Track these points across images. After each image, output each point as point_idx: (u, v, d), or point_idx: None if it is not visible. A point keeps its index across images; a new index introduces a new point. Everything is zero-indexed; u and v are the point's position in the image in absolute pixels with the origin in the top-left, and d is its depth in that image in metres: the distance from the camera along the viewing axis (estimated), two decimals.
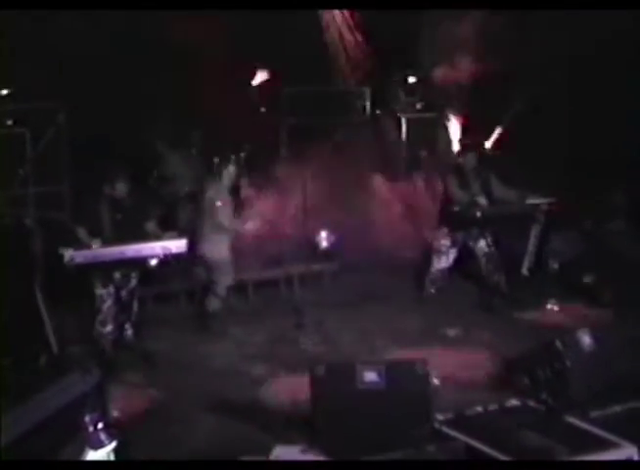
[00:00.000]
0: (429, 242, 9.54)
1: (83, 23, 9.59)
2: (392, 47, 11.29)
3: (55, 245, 7.49)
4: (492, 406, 6.33)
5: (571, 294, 9.33)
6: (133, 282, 7.90)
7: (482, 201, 8.96)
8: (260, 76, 11.32)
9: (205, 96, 10.55)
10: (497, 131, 11.11)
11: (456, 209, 8.94)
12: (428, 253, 9.45)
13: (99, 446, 4.54)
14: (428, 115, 11.89)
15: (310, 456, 5.62)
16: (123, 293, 7.85)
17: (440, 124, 11.79)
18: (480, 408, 6.28)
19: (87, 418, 4.58)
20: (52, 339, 7.59)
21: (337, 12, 11.42)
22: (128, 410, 6.51)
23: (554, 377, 6.63)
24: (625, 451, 5.55)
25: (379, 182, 10.72)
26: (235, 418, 6.56)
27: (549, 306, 9.05)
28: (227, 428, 6.46)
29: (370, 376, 6.01)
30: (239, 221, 8.63)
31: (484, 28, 10.80)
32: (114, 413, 6.18)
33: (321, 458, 5.59)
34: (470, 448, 5.61)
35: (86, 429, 4.56)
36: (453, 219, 9.03)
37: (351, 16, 11.50)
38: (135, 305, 8.01)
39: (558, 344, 6.67)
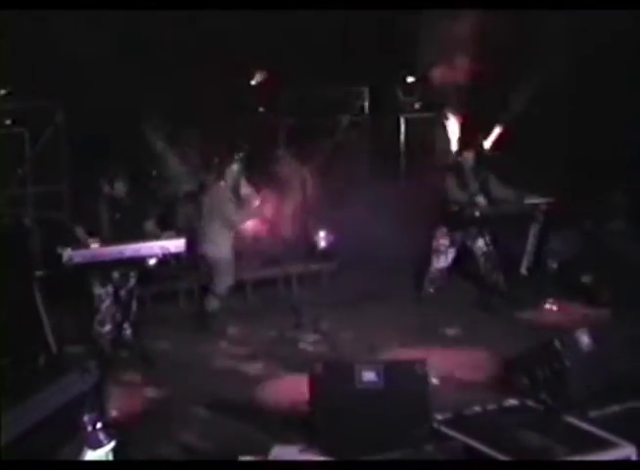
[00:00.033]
0: (428, 241, 9.53)
1: (83, 22, 9.57)
2: (391, 47, 11.29)
3: (53, 244, 7.49)
4: (491, 406, 6.32)
5: (569, 293, 9.33)
6: (132, 282, 7.90)
7: (481, 200, 8.96)
8: (259, 76, 11.31)
9: (205, 96, 10.57)
10: (496, 131, 11.09)
11: (455, 208, 8.95)
12: (426, 252, 9.45)
13: (97, 445, 4.54)
14: (426, 114, 11.88)
15: (309, 456, 5.62)
16: (122, 292, 7.85)
17: (439, 124, 11.78)
18: (478, 408, 6.27)
19: (86, 418, 4.57)
20: (50, 338, 7.59)
21: None
22: (127, 410, 6.52)
23: (553, 377, 6.63)
24: (624, 451, 5.55)
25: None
26: (233, 418, 6.56)
27: (548, 306, 9.06)
28: (225, 428, 6.46)
29: (369, 376, 6.01)
30: (242, 217, 8.63)
31: (483, 28, 10.81)
32: (113, 413, 6.18)
33: (320, 458, 5.59)
34: (468, 448, 5.60)
35: (85, 429, 4.55)
36: (452, 219, 9.03)
37: None
38: (134, 305, 8.01)
39: (557, 343, 6.68)
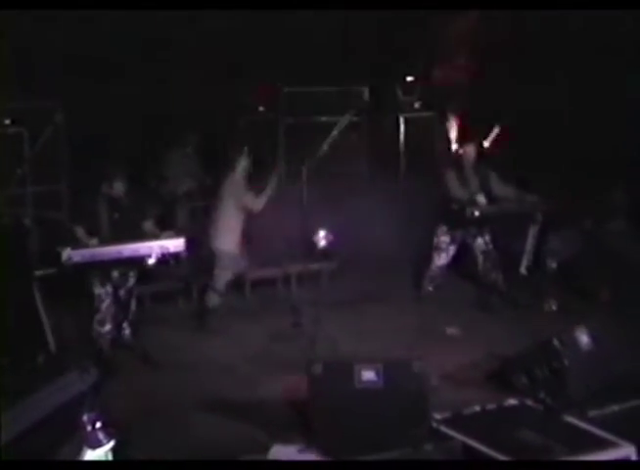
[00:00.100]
0: (427, 241, 9.53)
1: (83, 22, 9.58)
2: (391, 46, 11.29)
3: (53, 244, 7.49)
4: (490, 406, 6.33)
5: (569, 293, 9.33)
6: (131, 281, 7.90)
7: (481, 200, 8.95)
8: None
9: (205, 95, 10.58)
10: (495, 130, 11.09)
11: (455, 207, 8.94)
12: (426, 251, 9.44)
13: (97, 445, 4.54)
14: (426, 114, 11.88)
15: (308, 456, 5.62)
16: (121, 292, 7.85)
17: (439, 123, 11.78)
18: (477, 408, 6.28)
19: (85, 417, 4.57)
20: (50, 338, 7.59)
21: None
22: (126, 409, 6.51)
23: (552, 376, 6.64)
24: (623, 451, 5.56)
25: None
26: (232, 417, 6.57)
27: (547, 306, 9.05)
28: (224, 427, 6.46)
29: (368, 375, 6.01)
30: (260, 201, 8.66)
31: (483, 28, 10.81)
32: (112, 412, 6.17)
33: (318, 458, 5.59)
34: (467, 448, 5.60)
35: (84, 428, 4.55)
36: (451, 218, 9.03)
37: None
38: (133, 305, 8.02)
39: (556, 343, 6.68)
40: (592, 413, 6.23)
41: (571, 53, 10.51)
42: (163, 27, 10.10)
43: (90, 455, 4.54)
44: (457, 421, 6.00)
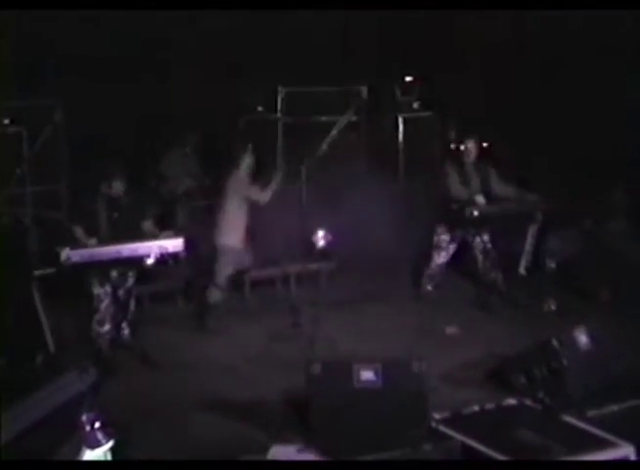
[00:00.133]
0: (426, 240, 9.53)
1: (83, 22, 9.58)
2: (391, 46, 11.29)
3: (52, 244, 7.49)
4: (489, 405, 6.33)
5: (568, 293, 9.33)
6: (130, 281, 7.90)
7: (480, 200, 8.95)
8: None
9: (205, 95, 10.57)
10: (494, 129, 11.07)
11: (454, 207, 8.94)
12: (425, 251, 9.44)
13: (96, 445, 4.54)
14: (424, 114, 11.87)
15: (307, 456, 5.62)
16: (120, 292, 7.85)
17: (438, 123, 11.77)
18: (476, 407, 6.28)
19: (84, 417, 4.57)
20: (49, 338, 7.59)
21: None
22: (125, 409, 6.51)
23: (551, 376, 6.64)
24: (622, 451, 5.56)
25: None
26: (231, 417, 6.57)
27: (546, 306, 9.05)
28: (223, 427, 6.46)
29: (366, 375, 6.02)
30: (267, 194, 8.67)
31: (483, 27, 10.81)
32: (111, 412, 6.17)
33: (317, 458, 5.59)
34: (466, 448, 5.61)
35: (83, 428, 4.55)
36: (451, 218, 9.03)
37: None
38: (132, 304, 8.02)
39: (554, 343, 6.68)
40: (591, 413, 6.23)
41: (571, 53, 10.50)
42: (163, 27, 10.10)
43: (89, 455, 4.54)
44: (456, 421, 6.01)
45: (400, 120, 11.74)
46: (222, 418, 6.59)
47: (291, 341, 8.15)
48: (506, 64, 10.86)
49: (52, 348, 7.56)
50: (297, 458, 5.58)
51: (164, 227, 8.15)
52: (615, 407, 6.36)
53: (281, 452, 5.64)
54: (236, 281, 9.15)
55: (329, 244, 9.42)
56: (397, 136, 11.76)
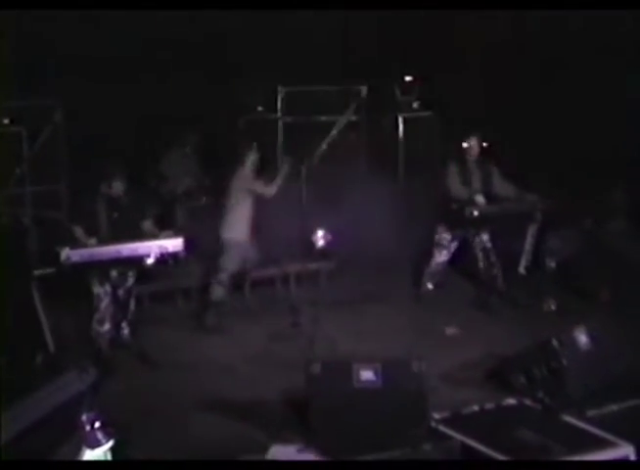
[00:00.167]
0: (426, 240, 9.53)
1: (83, 22, 9.57)
2: (390, 46, 11.29)
3: (51, 244, 7.49)
4: (489, 405, 6.34)
5: (568, 293, 9.33)
6: (130, 281, 7.90)
7: (480, 199, 8.95)
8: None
9: (205, 95, 10.57)
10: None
11: (454, 207, 8.94)
12: (425, 250, 9.44)
13: (96, 445, 4.54)
14: (424, 113, 11.87)
15: (307, 456, 5.62)
16: (120, 292, 7.85)
17: (438, 123, 11.77)
18: (476, 407, 6.28)
19: (84, 417, 4.57)
20: (48, 338, 7.58)
21: None
22: (125, 409, 6.51)
23: (550, 376, 6.64)
24: (622, 450, 5.56)
25: None
26: (231, 417, 6.57)
27: (546, 306, 9.05)
28: (223, 427, 6.46)
29: (366, 375, 6.02)
30: (273, 188, 8.69)
31: (483, 27, 10.81)
32: (111, 412, 6.17)
33: (317, 458, 5.59)
34: (466, 447, 5.61)
35: (83, 428, 4.55)
36: (451, 217, 9.03)
37: None
38: (132, 304, 8.01)
39: (554, 342, 6.68)
40: (591, 413, 6.24)
41: (571, 53, 10.50)
42: (163, 27, 10.10)
43: (89, 455, 4.54)
44: (456, 421, 6.01)
45: (400, 120, 11.74)
46: (222, 418, 6.59)
47: (290, 341, 8.15)
48: (506, 64, 10.86)
49: (52, 347, 7.56)
50: (297, 458, 5.58)
51: (164, 227, 8.15)
52: (614, 407, 6.37)
53: (281, 452, 5.64)
54: (236, 281, 9.14)
55: (329, 244, 9.42)
56: (397, 136, 11.76)
